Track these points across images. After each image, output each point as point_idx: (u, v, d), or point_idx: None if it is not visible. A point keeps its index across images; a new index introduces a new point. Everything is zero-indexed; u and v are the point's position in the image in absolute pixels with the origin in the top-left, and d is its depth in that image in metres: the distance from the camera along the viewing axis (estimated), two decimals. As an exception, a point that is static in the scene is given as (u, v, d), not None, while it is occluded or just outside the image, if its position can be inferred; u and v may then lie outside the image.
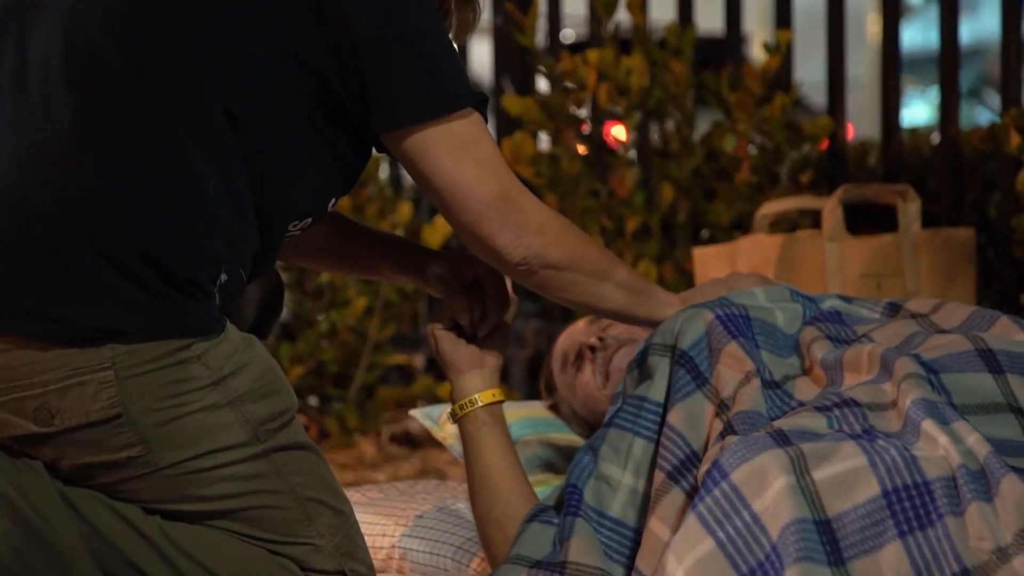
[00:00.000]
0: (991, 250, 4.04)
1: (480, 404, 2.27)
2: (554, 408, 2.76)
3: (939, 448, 1.84)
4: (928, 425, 1.88)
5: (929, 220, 3.23)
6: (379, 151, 2.08)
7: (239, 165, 1.96)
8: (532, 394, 4.16)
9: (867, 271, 2.77)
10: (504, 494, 2.26)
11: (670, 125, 3.79)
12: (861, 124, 6.82)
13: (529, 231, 2.07)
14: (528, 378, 4.49)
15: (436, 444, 4.09)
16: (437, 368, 5.15)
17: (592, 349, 2.54)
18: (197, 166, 1.93)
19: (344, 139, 2.04)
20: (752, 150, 3.63)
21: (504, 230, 2.05)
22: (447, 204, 2.05)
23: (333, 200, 2.10)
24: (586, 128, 3.74)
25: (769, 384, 2.12)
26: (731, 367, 2.11)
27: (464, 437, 2.29)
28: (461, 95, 2.02)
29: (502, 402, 2.30)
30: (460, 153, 2.02)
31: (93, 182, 1.91)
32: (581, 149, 3.71)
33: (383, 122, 2.01)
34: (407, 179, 5.41)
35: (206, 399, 1.93)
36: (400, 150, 2.03)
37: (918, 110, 10.18)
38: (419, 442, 4.26)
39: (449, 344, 2.28)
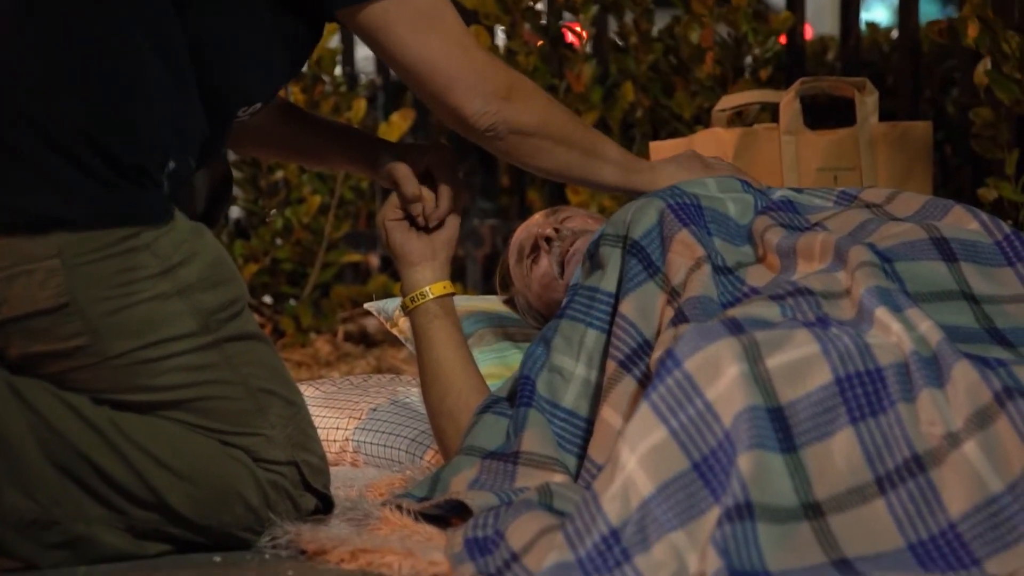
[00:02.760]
0: (948, 146, 4.04)
1: (431, 296, 2.26)
2: (509, 303, 2.75)
3: (892, 335, 1.84)
4: (881, 312, 1.87)
5: (887, 116, 3.21)
6: (331, 22, 2.05)
7: (185, 50, 1.93)
8: (488, 292, 4.15)
9: (824, 164, 2.76)
10: (456, 386, 2.26)
11: (628, 18, 3.74)
12: (821, 24, 6.78)
13: (497, 98, 2.07)
14: (484, 277, 4.48)
15: (391, 342, 4.08)
16: (393, 267, 5.13)
17: (548, 240, 2.53)
18: (142, 51, 1.89)
19: (292, 20, 2.00)
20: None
21: (472, 100, 2.06)
22: (413, 79, 2.05)
23: (282, 84, 2.07)
24: (542, 17, 3.69)
25: (721, 270, 2.11)
26: (682, 254, 2.10)
27: (415, 330, 2.28)
28: None
29: (453, 295, 2.29)
30: (422, 28, 2.00)
31: (34, 66, 1.87)
32: (538, 42, 3.66)
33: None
34: (362, 75, 5.35)
35: (155, 288, 1.91)
36: (358, 26, 2.00)
37: (877, 12, 10.14)
38: (374, 340, 4.26)
39: (400, 235, 2.26)
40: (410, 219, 2.26)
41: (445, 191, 2.25)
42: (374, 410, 2.60)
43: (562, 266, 2.51)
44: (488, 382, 2.47)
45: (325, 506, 2.04)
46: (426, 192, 2.24)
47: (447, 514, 2.02)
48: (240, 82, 1.99)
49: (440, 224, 2.26)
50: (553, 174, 2.21)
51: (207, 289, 1.94)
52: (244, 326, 1.98)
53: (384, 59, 2.06)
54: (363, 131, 2.38)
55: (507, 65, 2.12)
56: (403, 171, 2.23)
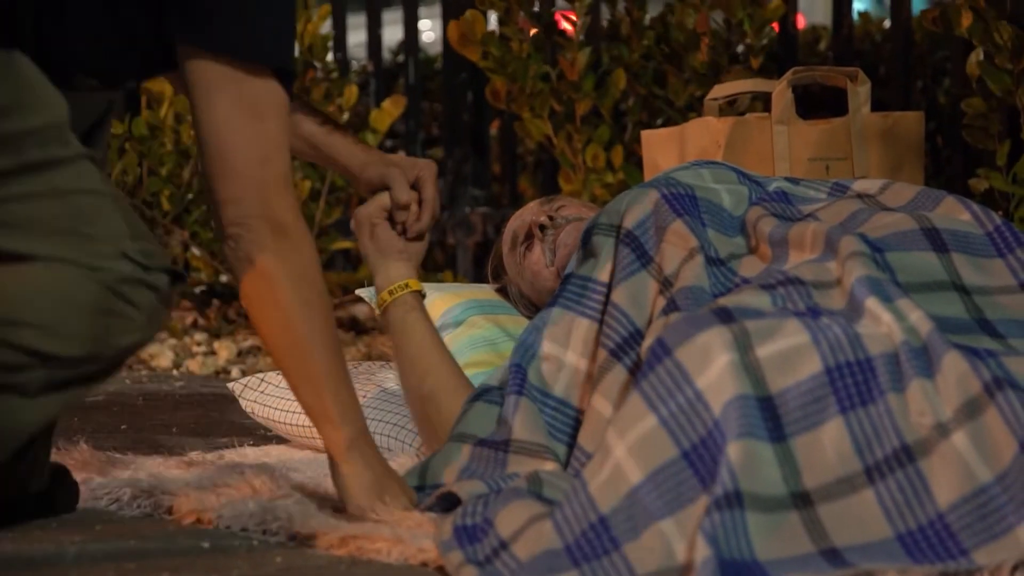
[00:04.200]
0: (939, 137, 4.04)
1: (410, 289, 2.31)
2: (501, 291, 2.75)
3: (882, 325, 1.84)
4: (872, 303, 1.87)
5: (879, 107, 3.21)
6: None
7: None
8: (479, 280, 4.15)
9: (815, 154, 2.75)
10: (436, 368, 2.28)
11: (621, 7, 3.74)
12: (813, 14, 6.78)
13: (263, 218, 1.94)
14: (475, 264, 4.48)
15: (381, 330, 4.07)
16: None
17: (542, 228, 2.52)
18: None
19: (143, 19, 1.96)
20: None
21: (238, 200, 1.94)
22: (203, 148, 1.95)
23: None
24: (536, 5, 3.68)
25: (714, 261, 2.11)
26: (675, 244, 2.10)
27: (393, 320, 2.32)
28: (274, 52, 1.94)
29: (424, 295, 2.35)
30: (243, 112, 1.92)
31: None
32: (532, 29, 3.65)
33: (185, 28, 1.91)
34: (354, 61, 5.34)
35: None
36: (186, 69, 1.93)
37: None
38: (364, 327, 4.25)
39: (384, 232, 2.31)
40: (391, 223, 2.32)
41: (428, 205, 2.31)
42: (363, 397, 2.60)
43: (554, 253, 2.51)
44: (479, 369, 2.47)
45: (177, 278, 1.96)
46: (412, 203, 2.31)
47: (439, 506, 2.02)
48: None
49: (417, 236, 2.32)
50: (266, 343, 2.03)
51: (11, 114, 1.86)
52: (60, 151, 1.89)
53: (192, 115, 1.96)
54: (351, 133, 2.37)
55: (297, 204, 1.98)
56: (399, 177, 2.28)
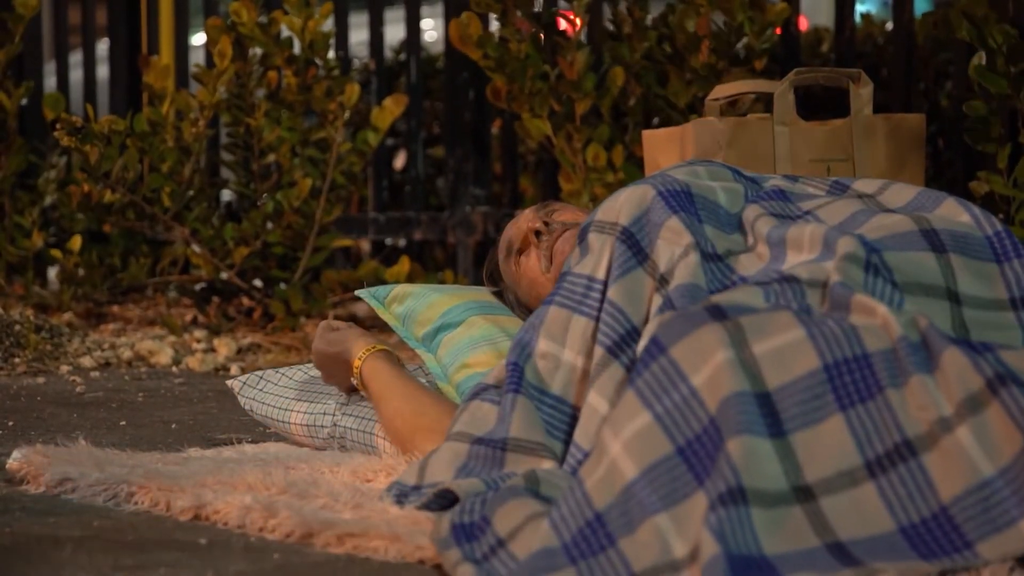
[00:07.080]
0: (941, 139, 4.04)
1: (377, 349, 2.48)
2: (498, 295, 2.75)
3: (877, 317, 1.84)
4: (861, 297, 1.87)
5: (881, 108, 3.21)
6: None
7: None
8: (479, 279, 4.15)
9: (817, 155, 2.75)
10: (431, 401, 2.36)
11: (622, 6, 3.74)
12: (816, 16, 6.77)
13: None
14: (475, 263, 4.48)
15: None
16: (383, 252, 5.12)
17: (537, 234, 2.52)
18: None
19: None
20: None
21: None
22: None
23: None
24: (536, 5, 3.68)
25: (711, 257, 2.11)
26: (671, 241, 2.10)
27: (378, 369, 2.44)
28: None
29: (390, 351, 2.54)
30: None
31: None
32: (531, 29, 3.65)
33: None
34: (356, 59, 5.34)
35: None
36: None
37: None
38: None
39: (340, 330, 2.55)
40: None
41: None
42: (361, 396, 2.60)
43: (551, 260, 2.51)
44: (479, 369, 2.47)
45: None
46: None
47: (437, 504, 2.01)
48: None
49: None
50: None
51: None
52: None
53: None
54: None
55: None
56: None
